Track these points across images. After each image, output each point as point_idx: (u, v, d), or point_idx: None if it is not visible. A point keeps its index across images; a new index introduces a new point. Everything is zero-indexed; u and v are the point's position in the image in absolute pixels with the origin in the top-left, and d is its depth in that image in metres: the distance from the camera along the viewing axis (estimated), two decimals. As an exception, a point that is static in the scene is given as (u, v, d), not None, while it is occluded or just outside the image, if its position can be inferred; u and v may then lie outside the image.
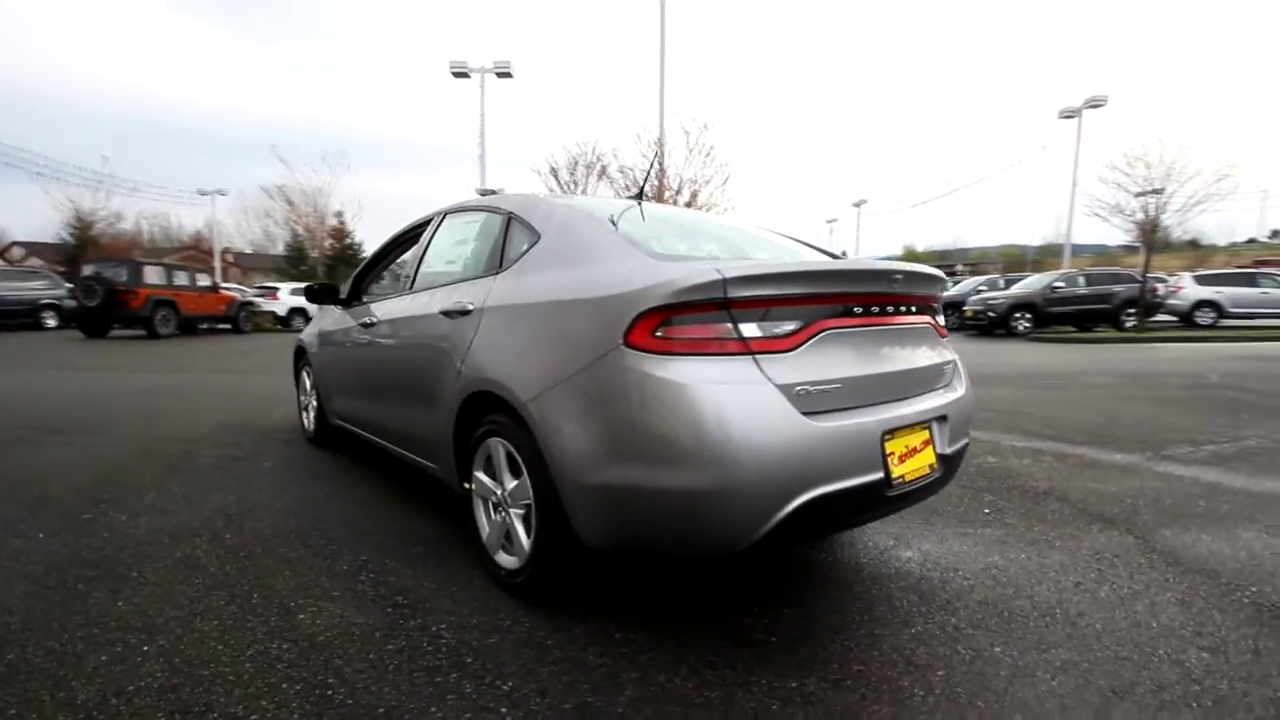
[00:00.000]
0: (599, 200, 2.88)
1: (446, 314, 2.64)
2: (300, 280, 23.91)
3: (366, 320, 3.41)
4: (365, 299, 3.74)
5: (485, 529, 2.45)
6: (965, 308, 18.28)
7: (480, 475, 2.44)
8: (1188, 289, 18.77)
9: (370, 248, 18.88)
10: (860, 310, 2.04)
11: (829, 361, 1.92)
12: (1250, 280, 19.25)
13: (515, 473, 2.24)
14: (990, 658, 1.94)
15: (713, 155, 16.89)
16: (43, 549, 2.70)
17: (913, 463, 2.06)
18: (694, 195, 16.86)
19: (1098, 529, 2.97)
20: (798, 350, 1.87)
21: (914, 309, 2.25)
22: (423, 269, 3.17)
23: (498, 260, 2.58)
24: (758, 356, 1.83)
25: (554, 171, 18.43)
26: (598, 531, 1.99)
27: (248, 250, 46.57)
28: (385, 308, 3.29)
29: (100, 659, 1.91)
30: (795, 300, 1.90)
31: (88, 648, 1.97)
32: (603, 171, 17.92)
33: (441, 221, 3.16)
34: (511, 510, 2.28)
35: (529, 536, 2.20)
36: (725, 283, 1.80)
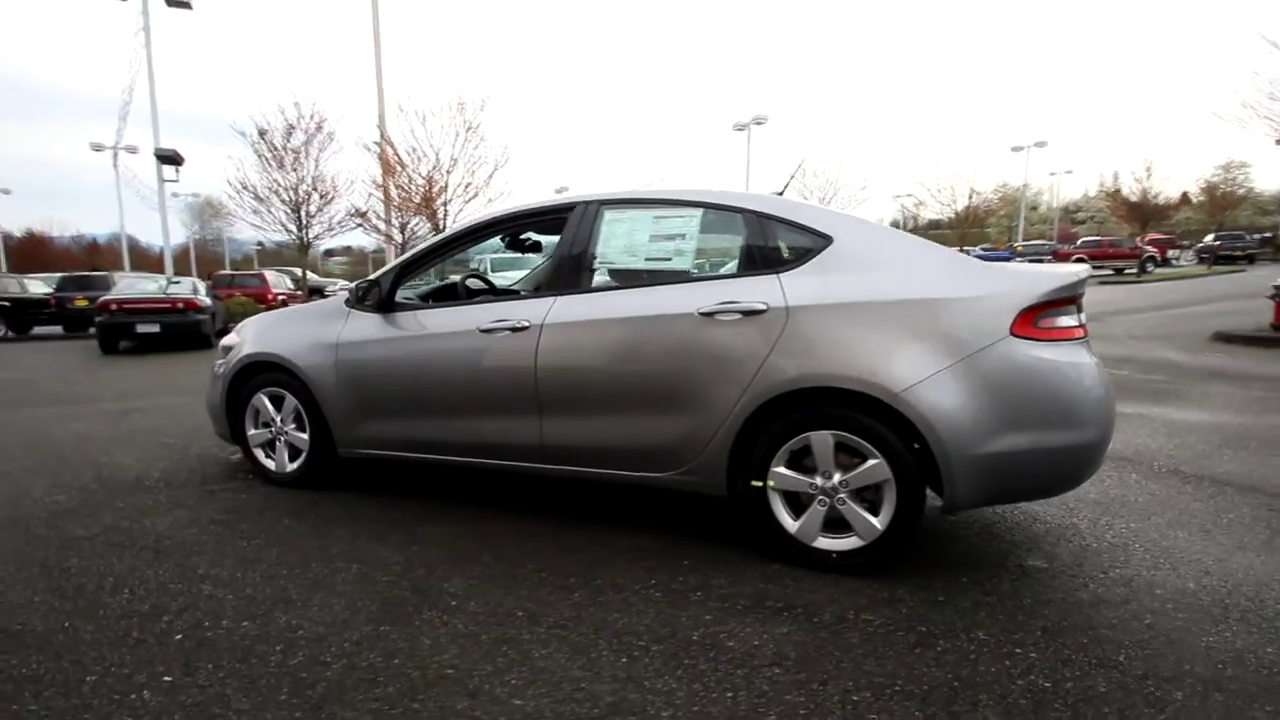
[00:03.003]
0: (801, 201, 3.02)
1: (712, 315, 2.56)
2: None
3: (490, 326, 2.91)
4: (433, 302, 3.13)
5: (793, 522, 2.51)
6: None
7: (784, 471, 2.49)
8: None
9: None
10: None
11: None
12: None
13: (848, 461, 2.41)
14: None
15: (481, 135, 16.05)
16: None
17: None
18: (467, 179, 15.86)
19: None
20: (1086, 336, 2.50)
21: None
22: (597, 268, 2.89)
23: (766, 259, 2.61)
24: (1083, 341, 2.41)
25: (263, 134, 15.48)
26: (972, 493, 2.32)
27: None
28: (525, 311, 2.88)
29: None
30: (1080, 298, 2.53)
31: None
32: (330, 139, 15.74)
33: (597, 215, 2.92)
34: (840, 497, 2.43)
35: (876, 515, 2.40)
36: (1077, 283, 2.35)
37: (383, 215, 17.18)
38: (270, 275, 18.22)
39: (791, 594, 2.33)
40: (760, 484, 2.54)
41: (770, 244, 2.64)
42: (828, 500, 2.45)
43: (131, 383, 7.97)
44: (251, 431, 3.62)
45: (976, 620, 2.16)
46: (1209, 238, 32.63)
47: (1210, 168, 45.97)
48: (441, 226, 15.53)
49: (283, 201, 15.95)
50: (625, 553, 2.69)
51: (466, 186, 15.34)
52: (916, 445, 2.32)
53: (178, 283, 12.97)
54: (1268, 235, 33.45)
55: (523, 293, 3.41)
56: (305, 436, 3.46)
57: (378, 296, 3.21)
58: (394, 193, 16.34)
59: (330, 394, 3.32)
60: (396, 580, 2.46)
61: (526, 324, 2.86)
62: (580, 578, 2.48)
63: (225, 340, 3.82)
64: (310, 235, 16.43)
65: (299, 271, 24.24)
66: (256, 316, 3.93)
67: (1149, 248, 29.30)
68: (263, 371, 3.54)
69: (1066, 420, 2.28)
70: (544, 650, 1.99)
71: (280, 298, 17.36)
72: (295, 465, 3.53)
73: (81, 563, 2.64)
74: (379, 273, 3.29)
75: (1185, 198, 44.59)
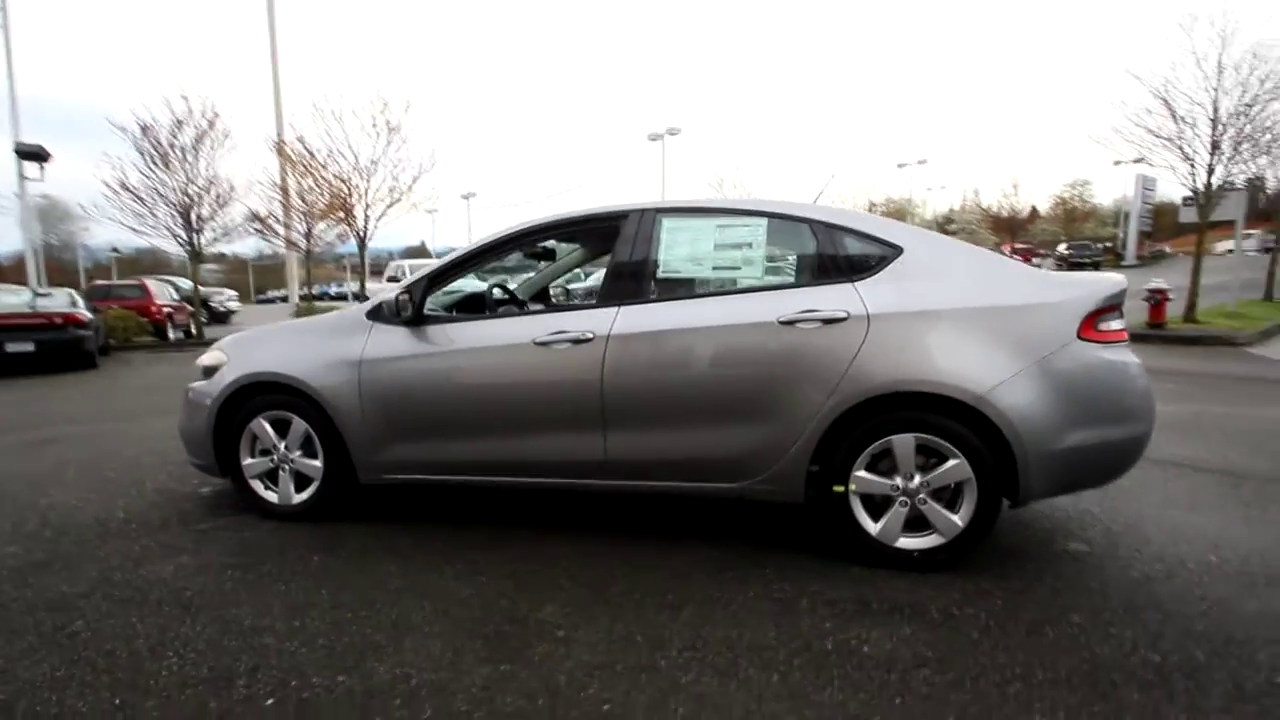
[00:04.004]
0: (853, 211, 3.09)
1: (793, 323, 2.58)
2: None
3: (547, 338, 2.78)
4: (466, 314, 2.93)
5: (873, 524, 2.57)
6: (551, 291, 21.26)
7: (865, 474, 2.56)
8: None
9: None
10: None
11: None
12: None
13: (925, 462, 2.51)
14: None
15: (403, 137, 15.22)
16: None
17: None
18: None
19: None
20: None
21: None
22: (661, 277, 2.83)
23: (837, 268, 2.66)
24: (1127, 343, 2.64)
25: (145, 129, 13.93)
26: (1044, 487, 2.49)
27: None
28: (586, 322, 2.78)
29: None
30: (1122, 304, 2.74)
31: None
32: (225, 137, 14.41)
33: (655, 223, 2.87)
34: (921, 497, 2.52)
35: (955, 513, 2.51)
36: (1122, 292, 2.58)
37: (283, 220, 15.99)
38: (153, 285, 16.38)
39: (890, 595, 2.38)
40: (841, 488, 2.59)
41: (840, 254, 2.70)
42: (909, 501, 2.54)
43: (11, 410, 6.90)
44: (248, 461, 3.24)
45: (1064, 605, 2.30)
46: (1061, 247, 36.76)
47: (1059, 184, 51.89)
48: (362, 232, 14.67)
49: (169, 204, 14.47)
50: (702, 565, 2.65)
51: (391, 190, 14.55)
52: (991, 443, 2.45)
53: (48, 294, 11.39)
54: (1108, 245, 38.13)
55: (554, 302, 3.29)
56: (317, 464, 3.14)
57: (408, 309, 2.98)
58: (296, 195, 15.26)
59: (352, 416, 3.03)
60: (483, 615, 2.29)
61: (590, 335, 2.76)
62: (675, 594, 2.41)
63: (204, 359, 3.40)
64: (202, 241, 14.99)
65: (179, 281, 22.10)
66: (241, 333, 3.53)
67: (1016, 256, 32.58)
68: (262, 393, 3.18)
69: (1125, 415, 2.50)
70: (689, 675, 1.92)
71: (166, 310, 15.68)
72: (305, 495, 3.19)
73: (91, 625, 2.25)
74: (406, 283, 3.05)
75: (1035, 212, 50.01)
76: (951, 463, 2.49)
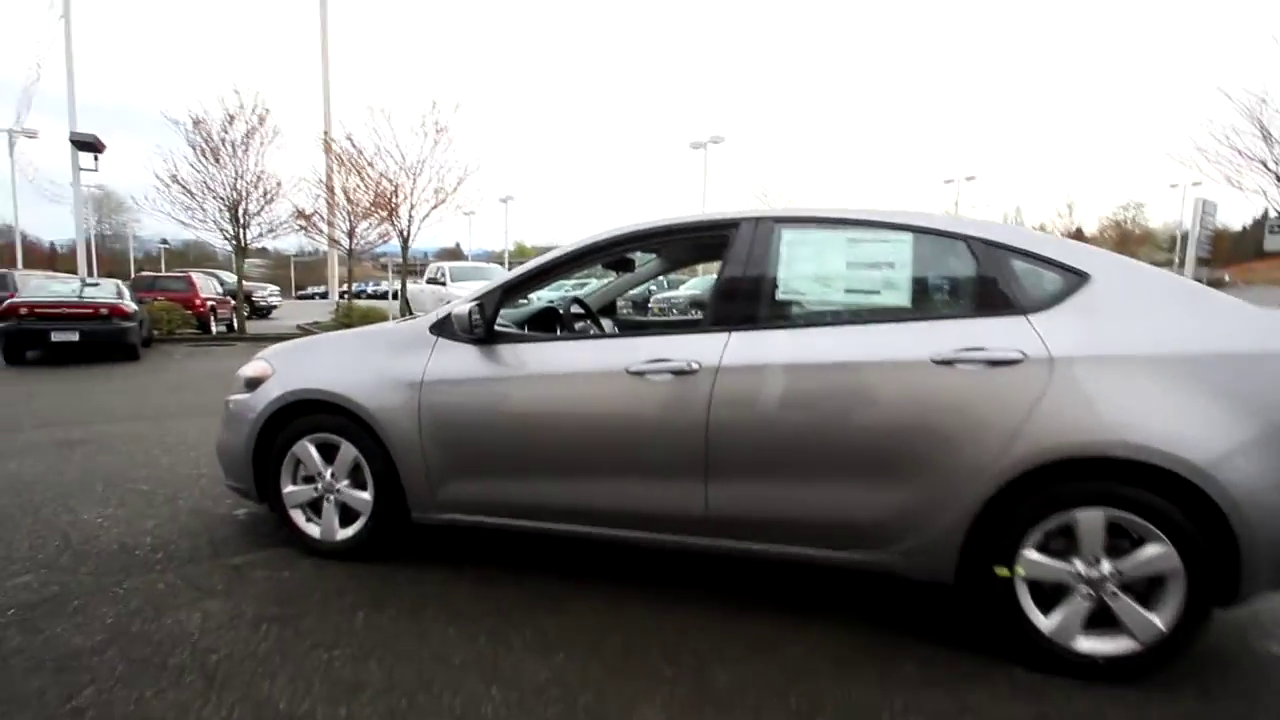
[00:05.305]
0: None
1: (950, 363, 2.11)
2: None
3: (642, 367, 2.34)
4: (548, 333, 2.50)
5: (1045, 621, 2.07)
6: (651, 304, 20.62)
7: (1035, 556, 2.06)
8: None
9: None
10: None
11: None
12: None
13: (1114, 545, 2.01)
14: None
15: (450, 138, 15.01)
16: None
17: None
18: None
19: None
20: None
21: None
22: (781, 299, 2.38)
23: (1005, 298, 2.17)
24: None
25: (197, 123, 13.99)
26: (1272, 582, 1.97)
27: None
28: (690, 349, 2.33)
29: None
30: None
31: None
32: (275, 134, 14.42)
33: (772, 235, 2.42)
34: (1110, 589, 2.01)
35: (1153, 611, 1.99)
36: None
37: (327, 217, 15.94)
38: (198, 278, 16.47)
39: (1076, 714, 1.88)
40: (1005, 571, 2.09)
41: (1007, 279, 2.21)
42: (1093, 592, 2.04)
43: (50, 402, 6.73)
44: (290, 488, 2.87)
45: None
46: (1116, 272, 35.15)
47: (1108, 206, 50.14)
48: (406, 232, 14.49)
49: (217, 198, 14.50)
50: (826, 653, 2.17)
51: (436, 191, 14.35)
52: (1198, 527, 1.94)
53: (96, 284, 11.37)
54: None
55: (652, 322, 2.85)
56: (366, 496, 2.75)
57: (480, 324, 2.57)
58: (341, 193, 15.17)
59: (409, 444, 2.63)
60: (566, 710, 1.85)
61: (695, 366, 2.31)
62: (798, 695, 1.94)
63: (247, 370, 3.05)
64: (247, 236, 15.00)
65: (225, 275, 22.34)
66: (290, 342, 3.18)
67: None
68: (309, 413, 2.81)
69: None
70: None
71: (210, 304, 15.74)
72: (350, 532, 2.80)
73: (102, 694, 1.87)
74: (479, 293, 2.65)
75: (1080, 234, 48.24)
76: (1153, 549, 1.98)
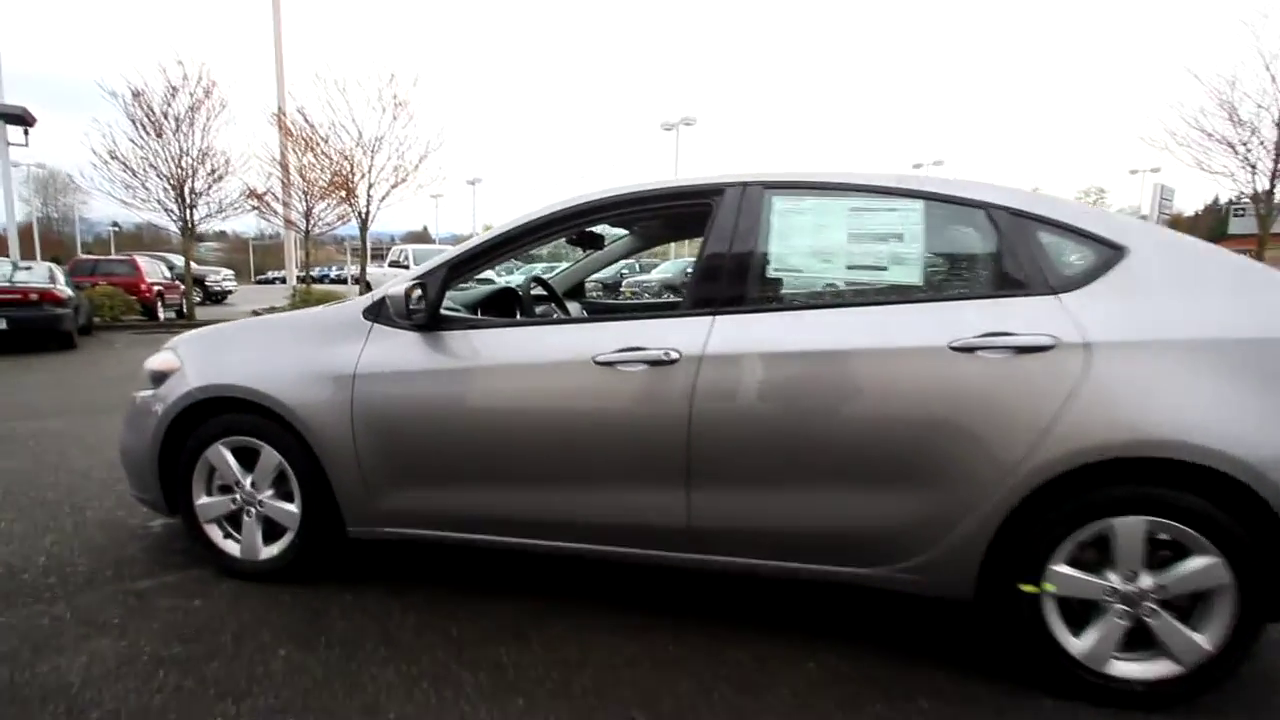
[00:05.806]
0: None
1: (971, 350, 1.81)
2: None
3: (613, 356, 2.01)
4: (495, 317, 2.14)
5: (1075, 643, 1.81)
6: (622, 287, 20.23)
7: (1067, 570, 1.79)
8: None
9: None
10: None
11: None
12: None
13: (1155, 557, 1.75)
14: None
15: (410, 114, 14.30)
16: None
17: None
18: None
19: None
20: None
21: None
22: (773, 277, 2.06)
23: (1031, 275, 1.87)
24: None
25: (137, 95, 13.07)
26: None
27: None
28: (668, 335, 2.00)
29: None
30: None
31: None
32: (223, 107, 13.57)
33: (761, 202, 2.08)
34: (1149, 605, 1.76)
35: (1198, 630, 1.74)
36: None
37: (281, 197, 15.16)
38: (143, 262, 15.56)
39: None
40: (1032, 587, 1.82)
41: (1034, 253, 1.91)
42: (1129, 609, 1.78)
43: (-32, 398, 6.13)
44: (203, 500, 2.47)
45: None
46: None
47: (1073, 192, 50.96)
48: (365, 213, 13.82)
49: (161, 176, 13.63)
50: (827, 686, 1.88)
51: (396, 169, 13.68)
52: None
53: (27, 268, 10.58)
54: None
55: (624, 300, 2.50)
56: (293, 509, 2.38)
57: (421, 308, 2.20)
58: (296, 172, 14.42)
59: (340, 448, 2.26)
60: (525, 776, 1.53)
61: (675, 355, 1.98)
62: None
63: (154, 362, 2.63)
64: (196, 217, 14.16)
65: (173, 259, 21.25)
66: (203, 330, 2.75)
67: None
68: (224, 412, 2.41)
69: None
70: None
71: (156, 289, 14.88)
72: (275, 550, 2.42)
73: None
74: (418, 272, 2.27)
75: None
76: (1200, 561, 1.72)
